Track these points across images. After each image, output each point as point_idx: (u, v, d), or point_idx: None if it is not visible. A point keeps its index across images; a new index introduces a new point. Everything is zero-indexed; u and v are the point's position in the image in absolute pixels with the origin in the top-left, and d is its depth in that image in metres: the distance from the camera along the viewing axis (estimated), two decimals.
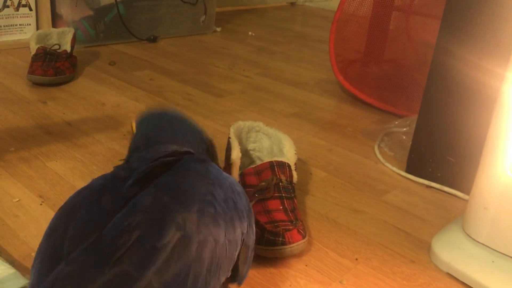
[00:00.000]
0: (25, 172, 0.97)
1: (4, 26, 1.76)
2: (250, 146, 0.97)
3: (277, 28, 2.50)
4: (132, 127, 0.77)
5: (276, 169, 0.85)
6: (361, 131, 1.30)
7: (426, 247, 0.85)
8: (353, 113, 1.43)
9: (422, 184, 1.05)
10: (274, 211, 0.80)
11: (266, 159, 0.96)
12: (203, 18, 2.14)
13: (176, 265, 0.45)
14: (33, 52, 1.47)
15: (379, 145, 1.22)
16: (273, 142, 0.94)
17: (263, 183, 0.83)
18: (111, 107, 1.33)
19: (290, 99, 1.50)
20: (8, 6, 1.75)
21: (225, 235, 0.52)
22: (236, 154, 0.85)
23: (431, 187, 1.04)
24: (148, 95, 1.43)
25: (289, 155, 0.89)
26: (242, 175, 0.86)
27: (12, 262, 0.72)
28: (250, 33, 2.31)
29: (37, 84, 1.41)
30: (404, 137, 1.23)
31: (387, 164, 1.12)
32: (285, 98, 1.50)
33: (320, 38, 2.33)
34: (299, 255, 0.79)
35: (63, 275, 0.43)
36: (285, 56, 1.99)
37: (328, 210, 0.93)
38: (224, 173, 0.60)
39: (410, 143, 1.09)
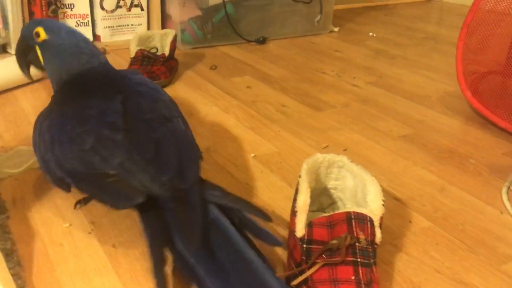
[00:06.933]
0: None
1: (116, 26, 1.77)
2: (331, 184, 0.80)
3: (405, 28, 2.23)
4: None
5: (353, 223, 0.67)
6: (487, 165, 1.04)
7: None
8: (481, 139, 1.16)
9: None
10: (342, 283, 0.62)
11: (348, 203, 0.78)
12: (318, 17, 1.97)
13: None
14: (132, 55, 1.43)
15: (509, 187, 0.96)
16: (357, 184, 0.76)
17: (334, 241, 0.65)
18: (198, 117, 1.23)
19: (403, 117, 1.27)
20: (121, 7, 1.75)
21: None
22: (303, 201, 0.68)
23: None
24: (240, 105, 1.31)
25: (373, 206, 0.70)
26: (310, 225, 0.69)
27: None
28: (371, 33, 2.08)
29: None
30: None
31: None
32: (397, 115, 1.28)
33: (456, 41, 2.01)
34: None
35: None
36: (407, 62, 1.74)
37: (422, 278, 0.72)
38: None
39: None
